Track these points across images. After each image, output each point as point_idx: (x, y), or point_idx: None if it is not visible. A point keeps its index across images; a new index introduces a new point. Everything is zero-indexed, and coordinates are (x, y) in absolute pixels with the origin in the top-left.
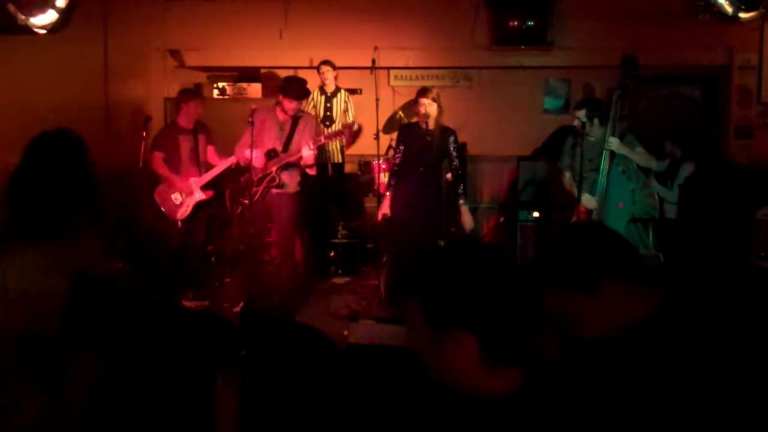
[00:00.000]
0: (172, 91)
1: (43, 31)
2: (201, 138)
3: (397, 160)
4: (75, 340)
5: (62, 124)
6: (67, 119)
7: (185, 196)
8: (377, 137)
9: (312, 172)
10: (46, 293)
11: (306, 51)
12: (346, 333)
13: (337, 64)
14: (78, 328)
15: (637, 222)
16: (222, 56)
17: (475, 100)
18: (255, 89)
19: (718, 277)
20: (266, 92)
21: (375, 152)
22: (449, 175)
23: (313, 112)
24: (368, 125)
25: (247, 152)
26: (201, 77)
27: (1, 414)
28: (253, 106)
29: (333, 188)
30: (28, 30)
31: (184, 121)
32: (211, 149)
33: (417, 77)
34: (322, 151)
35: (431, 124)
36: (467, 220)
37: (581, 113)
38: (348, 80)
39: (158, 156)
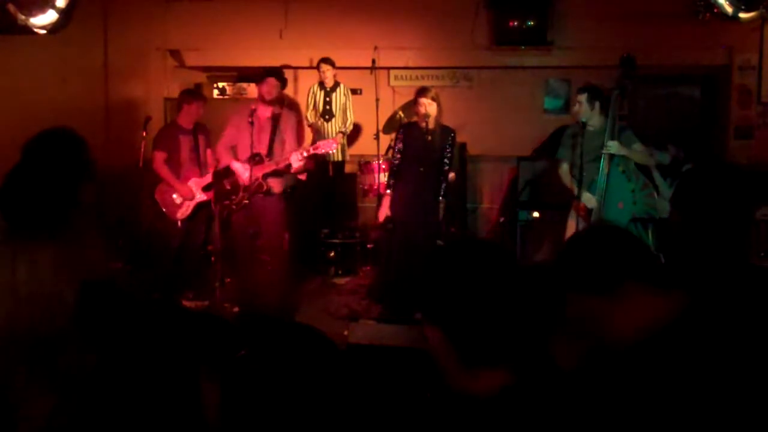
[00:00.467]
0: (172, 91)
1: (43, 31)
2: (201, 138)
3: (397, 160)
4: (81, 340)
5: (62, 124)
6: (67, 119)
7: (186, 199)
8: (377, 137)
9: (302, 177)
10: (55, 294)
11: (306, 51)
12: (346, 333)
13: (337, 64)
14: (83, 329)
15: (637, 222)
16: (222, 56)
17: (475, 100)
18: (255, 89)
19: (724, 277)
20: None
21: (375, 152)
22: (452, 175)
23: (312, 110)
24: (368, 125)
25: (236, 164)
26: (201, 77)
27: (10, 415)
28: (253, 106)
29: (333, 188)
30: (28, 30)
31: (185, 121)
32: (209, 152)
33: (417, 77)
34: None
35: (431, 124)
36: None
37: (583, 97)
38: (348, 80)
39: (160, 156)
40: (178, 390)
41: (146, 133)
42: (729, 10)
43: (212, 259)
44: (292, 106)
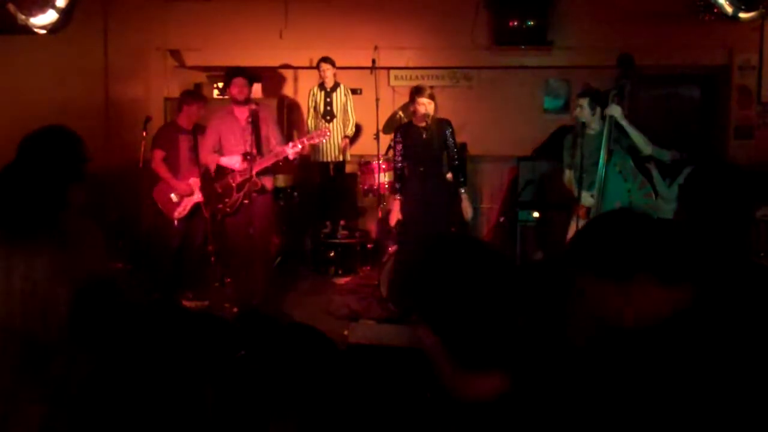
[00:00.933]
0: (172, 91)
1: (43, 31)
2: (200, 138)
3: (399, 164)
4: (73, 348)
5: (62, 123)
6: (67, 119)
7: (183, 195)
8: (377, 137)
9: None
10: (49, 298)
11: (306, 51)
12: (346, 333)
13: (337, 64)
14: (76, 335)
15: None
16: (222, 56)
17: (475, 100)
18: (255, 89)
19: (727, 273)
20: (266, 92)
21: (375, 152)
22: (449, 176)
23: (313, 109)
24: (368, 125)
25: (224, 159)
26: (201, 77)
27: (1, 423)
28: (254, 107)
29: (334, 188)
30: (28, 30)
31: (185, 121)
32: None
33: (417, 77)
34: (320, 151)
35: (429, 120)
36: (467, 207)
37: (584, 101)
38: (348, 80)
39: (158, 155)
40: (178, 391)
41: (146, 133)
42: (729, 10)
43: (212, 259)
44: (284, 102)
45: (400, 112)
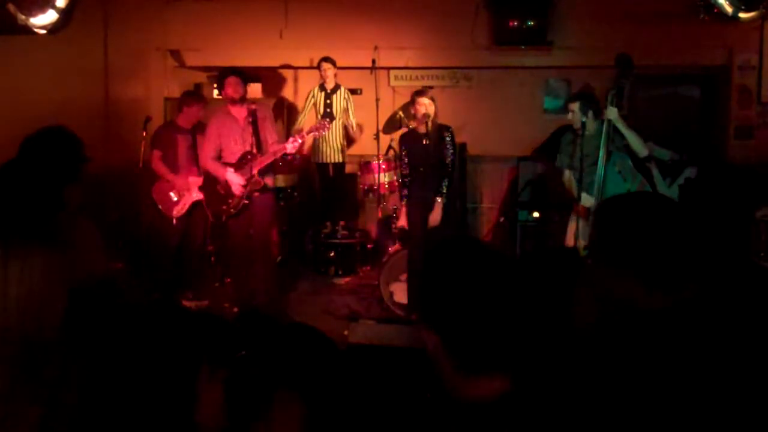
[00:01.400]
0: (172, 91)
1: (43, 31)
2: (199, 138)
3: (405, 171)
4: (68, 352)
5: (62, 124)
6: (67, 119)
7: (182, 194)
8: (377, 137)
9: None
10: (45, 300)
11: (306, 51)
12: (346, 333)
13: (338, 64)
14: (76, 333)
15: None
16: (222, 56)
17: (474, 100)
18: (255, 89)
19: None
20: (266, 92)
21: (375, 152)
22: None
23: (312, 110)
24: (368, 125)
25: (229, 175)
26: (201, 77)
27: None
28: (253, 106)
29: (334, 188)
30: (28, 30)
31: (184, 122)
32: None
33: (417, 77)
34: (320, 153)
35: (430, 125)
36: (436, 216)
37: (575, 105)
38: (348, 80)
39: (157, 154)
40: (177, 392)
41: (146, 133)
42: (729, 10)
43: (212, 259)
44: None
45: (400, 112)
